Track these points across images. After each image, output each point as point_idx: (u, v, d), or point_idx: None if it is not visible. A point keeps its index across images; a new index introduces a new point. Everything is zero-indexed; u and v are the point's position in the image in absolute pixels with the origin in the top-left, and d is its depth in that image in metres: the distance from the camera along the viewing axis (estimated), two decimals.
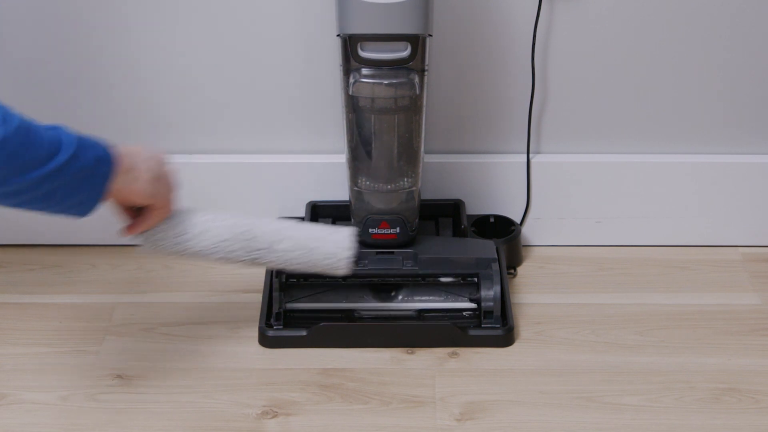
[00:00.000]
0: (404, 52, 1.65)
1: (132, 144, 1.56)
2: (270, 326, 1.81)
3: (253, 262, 1.66)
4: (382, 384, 1.73)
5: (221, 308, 1.89)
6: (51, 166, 1.42)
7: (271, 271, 1.84)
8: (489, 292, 1.81)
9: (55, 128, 1.45)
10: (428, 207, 1.97)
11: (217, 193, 2.00)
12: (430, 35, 1.67)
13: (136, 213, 1.61)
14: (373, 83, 1.70)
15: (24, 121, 1.40)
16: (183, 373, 1.75)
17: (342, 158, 1.85)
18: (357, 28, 1.64)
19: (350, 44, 1.65)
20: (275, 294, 1.80)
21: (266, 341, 1.80)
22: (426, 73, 1.70)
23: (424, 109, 1.74)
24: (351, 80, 1.70)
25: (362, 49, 1.65)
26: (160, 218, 1.60)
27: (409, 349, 1.80)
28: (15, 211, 2.02)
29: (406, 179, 1.81)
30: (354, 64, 1.68)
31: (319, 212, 1.99)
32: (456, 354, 1.79)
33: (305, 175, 2.00)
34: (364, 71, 1.69)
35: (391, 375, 1.75)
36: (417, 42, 1.65)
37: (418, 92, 1.68)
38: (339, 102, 1.78)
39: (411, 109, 1.73)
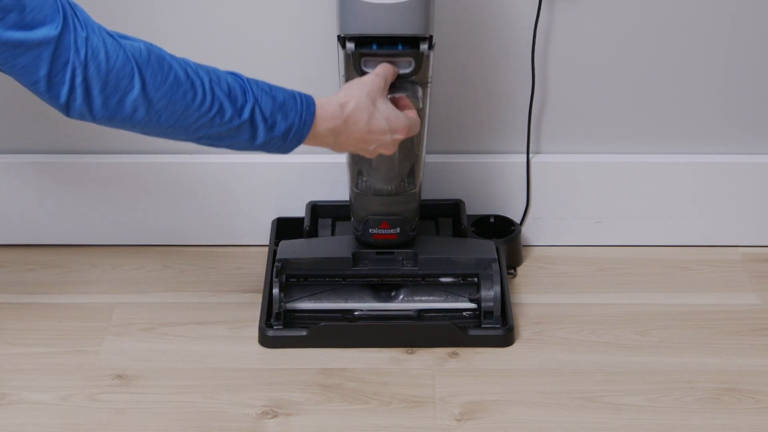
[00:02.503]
0: (408, 68, 1.65)
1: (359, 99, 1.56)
2: (270, 326, 1.81)
3: None
4: (381, 384, 1.73)
5: (221, 308, 1.89)
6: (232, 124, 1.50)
7: (271, 271, 1.84)
8: (489, 292, 1.81)
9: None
10: (428, 207, 1.97)
11: (217, 194, 2.00)
12: (432, 45, 1.65)
13: None
14: None
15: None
16: (183, 373, 1.75)
17: (342, 158, 1.85)
18: (357, 29, 1.64)
19: (353, 58, 1.64)
20: (275, 294, 1.80)
21: (266, 341, 1.80)
22: (429, 84, 1.70)
23: (426, 117, 1.74)
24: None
25: (365, 65, 1.64)
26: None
27: (409, 349, 1.80)
28: (15, 211, 2.03)
29: (406, 183, 1.81)
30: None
31: (319, 212, 1.99)
32: (456, 354, 1.79)
33: (305, 175, 2.00)
34: None
35: (391, 375, 1.75)
36: (421, 58, 1.64)
37: (421, 105, 1.68)
38: None
39: None
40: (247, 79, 1.53)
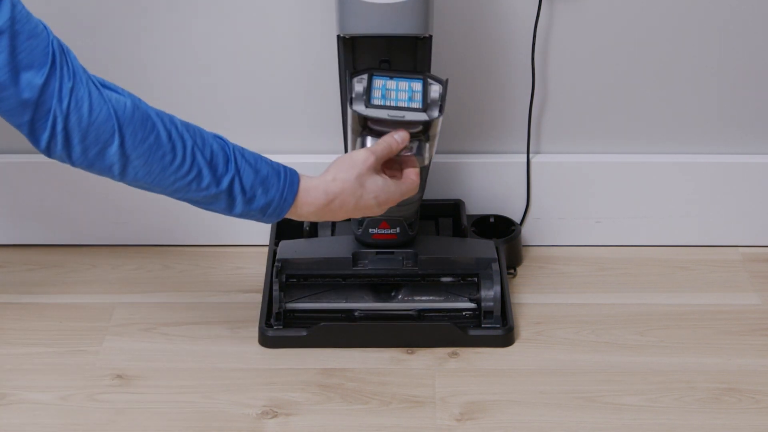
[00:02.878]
0: (417, 128, 1.63)
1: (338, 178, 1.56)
2: (270, 326, 1.81)
3: None
4: (382, 384, 1.73)
5: (221, 308, 1.89)
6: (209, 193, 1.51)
7: (271, 271, 1.84)
8: (489, 292, 1.81)
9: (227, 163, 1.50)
10: (428, 207, 1.97)
11: None
12: (443, 110, 1.64)
13: None
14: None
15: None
16: (183, 373, 1.75)
17: None
18: (357, 29, 1.64)
19: (357, 121, 1.63)
20: (275, 294, 1.80)
21: (266, 341, 1.80)
22: (437, 136, 1.68)
23: (432, 158, 1.71)
24: (359, 142, 1.71)
25: (373, 123, 1.64)
26: None
27: (409, 349, 1.80)
28: (15, 211, 2.03)
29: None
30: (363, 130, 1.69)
31: None
32: (456, 354, 1.79)
33: None
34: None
35: (391, 375, 1.75)
36: (430, 123, 1.63)
37: (427, 162, 1.67)
38: (339, 101, 1.78)
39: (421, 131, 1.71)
40: (234, 148, 1.52)
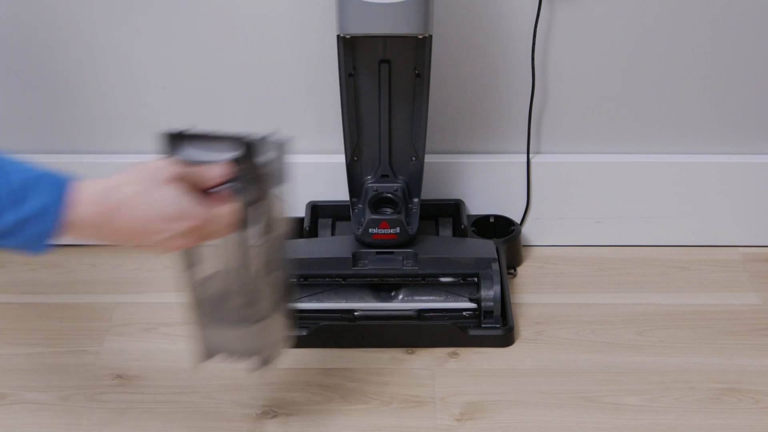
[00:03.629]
0: (233, 153, 1.41)
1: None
2: None
3: None
4: (382, 384, 1.73)
5: None
6: None
7: None
8: (489, 292, 1.81)
9: None
10: (428, 207, 1.97)
11: None
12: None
13: None
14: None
15: None
16: (183, 373, 1.75)
17: (342, 158, 1.85)
18: (357, 29, 1.64)
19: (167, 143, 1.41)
20: None
21: None
22: (283, 185, 1.44)
23: (283, 222, 1.49)
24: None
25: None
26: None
27: (409, 349, 1.80)
28: None
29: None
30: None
31: (319, 212, 1.99)
32: (456, 354, 1.79)
33: (305, 175, 2.00)
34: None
35: (391, 375, 1.75)
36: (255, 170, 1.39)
37: (257, 203, 1.42)
38: (339, 101, 1.78)
39: None
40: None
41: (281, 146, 1.42)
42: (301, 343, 1.79)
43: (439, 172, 1.99)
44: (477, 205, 2.02)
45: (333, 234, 1.97)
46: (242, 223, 1.40)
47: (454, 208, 2.00)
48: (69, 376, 1.74)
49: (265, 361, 1.54)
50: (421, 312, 1.84)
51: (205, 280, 1.50)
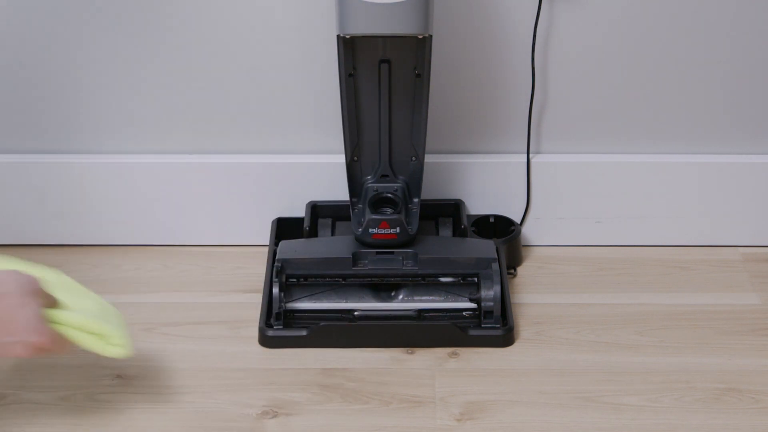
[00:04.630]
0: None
1: None
2: (270, 326, 1.81)
3: None
4: (382, 384, 1.73)
5: (221, 308, 1.89)
6: None
7: (271, 271, 1.84)
8: (489, 292, 1.81)
9: None
10: (428, 207, 1.97)
11: (217, 194, 2.00)
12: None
13: None
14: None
15: None
16: (183, 373, 1.75)
17: (341, 157, 1.85)
18: (357, 29, 1.64)
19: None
20: (275, 294, 1.80)
21: (266, 341, 1.80)
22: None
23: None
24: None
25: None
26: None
27: (409, 349, 1.80)
28: (15, 211, 2.03)
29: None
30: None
31: (319, 212, 1.99)
32: (456, 354, 1.79)
33: (305, 175, 2.00)
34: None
35: (391, 375, 1.75)
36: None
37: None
38: (339, 101, 1.78)
39: None
40: None
41: None
42: (301, 343, 1.79)
43: (439, 172, 1.99)
44: (477, 205, 2.02)
45: (333, 234, 1.97)
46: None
47: (454, 208, 2.00)
48: (69, 376, 1.74)
49: None
50: (421, 312, 1.84)
51: None
